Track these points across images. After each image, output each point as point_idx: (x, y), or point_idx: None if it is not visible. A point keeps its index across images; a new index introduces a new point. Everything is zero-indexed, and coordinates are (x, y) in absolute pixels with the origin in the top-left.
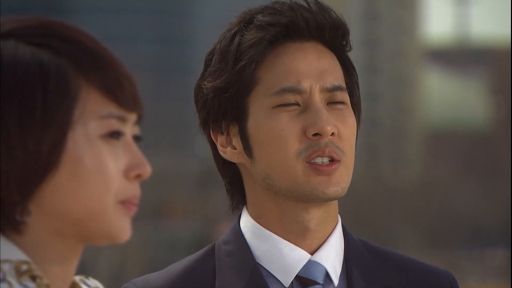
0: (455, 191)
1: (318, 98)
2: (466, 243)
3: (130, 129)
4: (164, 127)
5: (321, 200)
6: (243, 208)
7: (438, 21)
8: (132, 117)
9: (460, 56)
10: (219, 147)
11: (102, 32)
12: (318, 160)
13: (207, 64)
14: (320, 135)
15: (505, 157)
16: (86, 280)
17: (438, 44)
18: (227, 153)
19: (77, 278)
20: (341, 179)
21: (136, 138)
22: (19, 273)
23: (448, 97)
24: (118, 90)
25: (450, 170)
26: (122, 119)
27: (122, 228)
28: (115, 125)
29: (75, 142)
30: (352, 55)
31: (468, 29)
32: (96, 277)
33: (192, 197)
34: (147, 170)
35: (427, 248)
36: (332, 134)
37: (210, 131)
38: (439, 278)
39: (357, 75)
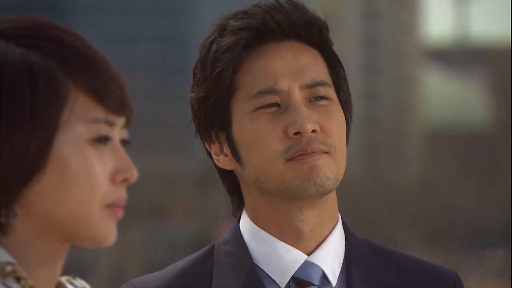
0: (455, 191)
1: (297, 97)
2: (466, 243)
3: (118, 132)
4: (164, 127)
5: (312, 192)
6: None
7: (438, 21)
8: (120, 121)
9: (460, 56)
10: (213, 156)
11: (102, 32)
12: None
13: (194, 74)
14: (301, 133)
15: (505, 157)
16: (73, 281)
17: (438, 44)
18: (220, 161)
19: (64, 279)
20: (327, 168)
21: (124, 142)
22: (3, 274)
23: (448, 97)
24: (106, 93)
25: (450, 170)
26: (110, 123)
27: (107, 232)
28: (102, 129)
29: (62, 146)
30: (352, 55)
31: (468, 29)
32: (96, 277)
33: (192, 197)
34: (133, 174)
35: (427, 248)
36: (314, 131)
37: (204, 140)
38: (443, 278)
39: (344, 70)
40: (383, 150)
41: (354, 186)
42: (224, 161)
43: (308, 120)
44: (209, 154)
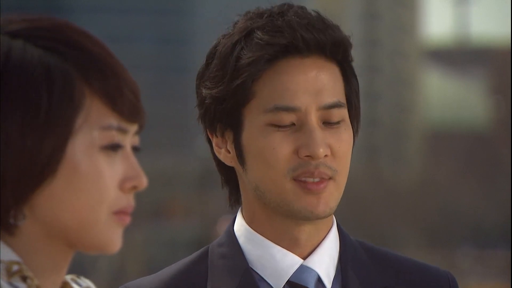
0: (455, 191)
1: (313, 118)
2: (466, 243)
3: (130, 139)
4: (164, 127)
5: (310, 219)
6: (239, 207)
7: (438, 21)
8: (133, 128)
9: (460, 56)
10: (214, 147)
11: (102, 32)
12: (308, 180)
13: (208, 63)
14: (311, 157)
15: (505, 157)
16: (78, 280)
17: (438, 44)
18: (221, 154)
19: (68, 278)
20: (331, 197)
21: (135, 149)
22: (9, 274)
23: (448, 97)
24: (120, 100)
25: (450, 170)
26: (123, 131)
27: (113, 239)
28: (115, 137)
29: (75, 151)
30: (352, 55)
31: (468, 29)
32: (96, 277)
33: (192, 197)
34: (143, 182)
35: (427, 248)
36: (325, 155)
37: (207, 130)
38: (438, 279)
39: (357, 83)
40: (383, 150)
41: (354, 186)
42: (226, 157)
43: (321, 145)
44: (209, 140)
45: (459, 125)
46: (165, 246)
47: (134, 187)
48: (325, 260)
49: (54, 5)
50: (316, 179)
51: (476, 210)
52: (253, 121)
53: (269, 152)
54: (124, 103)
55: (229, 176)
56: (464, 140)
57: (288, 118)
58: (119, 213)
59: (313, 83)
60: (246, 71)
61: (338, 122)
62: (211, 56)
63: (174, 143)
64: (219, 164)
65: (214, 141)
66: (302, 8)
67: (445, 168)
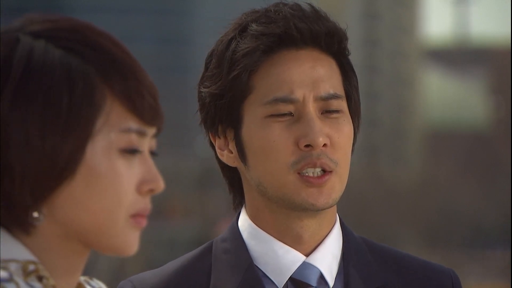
0: (455, 191)
1: (311, 108)
2: (466, 243)
3: (148, 142)
4: (164, 127)
5: (311, 211)
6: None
7: (438, 21)
8: (151, 131)
9: (460, 56)
10: (217, 149)
11: None
12: (310, 172)
13: (207, 65)
14: (312, 146)
15: (505, 157)
16: (90, 281)
17: (438, 44)
18: (224, 156)
19: (81, 279)
20: (333, 190)
21: (153, 152)
22: (26, 273)
23: (448, 97)
24: (140, 103)
25: (450, 170)
26: (141, 134)
27: (129, 242)
28: (134, 140)
29: (94, 153)
30: (352, 55)
31: (468, 29)
32: (96, 277)
33: (192, 197)
34: (160, 185)
35: (427, 248)
36: (325, 145)
37: (209, 132)
38: (441, 276)
39: (356, 78)
40: (383, 150)
41: (354, 186)
42: (228, 157)
43: (320, 134)
44: (212, 145)
45: (459, 125)
46: (165, 246)
47: (151, 190)
48: (327, 257)
49: (54, 5)
50: (318, 170)
51: (476, 210)
52: (252, 115)
53: (270, 145)
54: (144, 106)
55: (234, 179)
56: (464, 140)
57: (287, 108)
58: (136, 216)
59: (310, 74)
60: (242, 62)
61: (337, 111)
62: (209, 58)
63: (174, 143)
64: (224, 168)
65: (216, 143)
66: (297, 4)
67: (445, 168)
